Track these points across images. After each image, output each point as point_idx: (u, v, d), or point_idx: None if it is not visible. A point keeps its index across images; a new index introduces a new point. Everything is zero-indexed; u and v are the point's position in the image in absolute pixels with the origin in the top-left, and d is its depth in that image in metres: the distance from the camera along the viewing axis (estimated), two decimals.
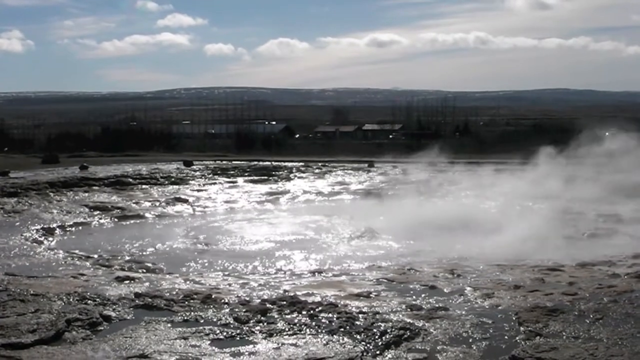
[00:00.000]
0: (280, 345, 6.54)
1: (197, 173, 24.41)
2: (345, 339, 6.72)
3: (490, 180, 20.59)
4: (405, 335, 6.81)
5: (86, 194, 19.15)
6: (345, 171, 26.56)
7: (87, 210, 17.26)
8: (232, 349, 6.46)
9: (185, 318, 7.55)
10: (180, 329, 7.12)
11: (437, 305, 7.96)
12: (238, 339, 6.81)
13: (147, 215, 17.58)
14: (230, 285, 9.33)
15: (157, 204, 18.89)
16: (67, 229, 15.26)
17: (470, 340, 6.69)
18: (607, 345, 6.32)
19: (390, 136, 71.13)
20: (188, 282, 9.57)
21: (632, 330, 6.76)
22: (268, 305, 7.96)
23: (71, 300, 8.20)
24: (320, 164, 28.50)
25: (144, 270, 10.99)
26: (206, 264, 11.76)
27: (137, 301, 8.28)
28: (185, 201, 19.63)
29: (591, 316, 7.27)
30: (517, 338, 6.71)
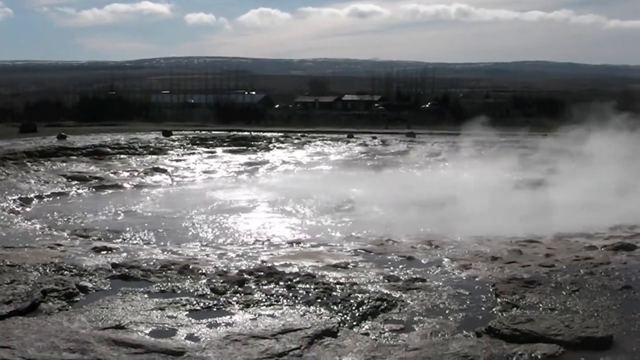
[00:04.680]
0: (257, 316, 6.53)
1: (176, 143, 24.32)
2: (322, 309, 6.71)
3: (468, 152, 20.64)
4: (382, 307, 6.81)
5: (64, 164, 19.04)
6: (325, 142, 26.55)
7: (64, 180, 17.17)
8: (209, 319, 6.44)
9: (162, 289, 7.50)
10: (157, 299, 7.08)
11: (414, 277, 7.97)
12: (215, 309, 6.79)
13: (125, 185, 17.50)
14: (207, 255, 9.30)
15: (136, 174, 18.81)
16: (45, 199, 15.16)
17: (447, 312, 6.71)
18: (583, 317, 6.36)
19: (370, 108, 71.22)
20: (165, 253, 9.52)
21: (607, 302, 6.80)
22: (245, 276, 7.94)
23: (47, 270, 8.14)
24: (299, 135, 28.49)
25: (122, 241, 10.96)
26: (184, 234, 11.74)
27: (113, 272, 8.23)
28: (164, 171, 19.57)
29: (568, 288, 7.31)
30: (494, 309, 6.73)
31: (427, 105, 70.70)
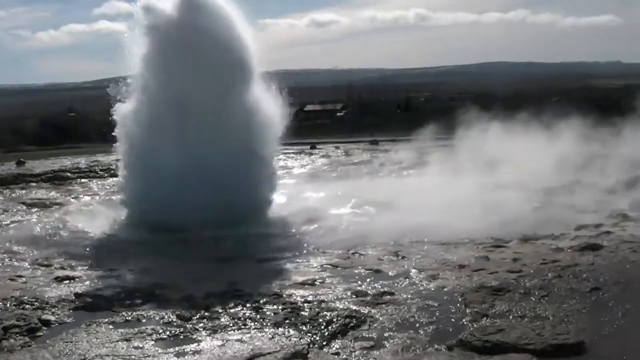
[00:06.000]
0: (225, 341, 6.41)
1: None
2: (291, 331, 6.62)
3: (431, 158, 20.60)
4: (352, 324, 6.74)
5: (23, 191, 18.75)
6: (287, 154, 26.42)
7: (24, 207, 16.84)
8: (176, 348, 6.32)
9: (127, 318, 7.36)
10: (122, 330, 6.93)
11: (382, 290, 7.90)
12: (182, 337, 6.66)
13: (86, 210, 17.17)
14: (173, 279, 9.15)
15: (98, 197, 18.52)
16: (4, 228, 14.83)
17: (417, 325, 6.65)
18: (553, 324, 6.33)
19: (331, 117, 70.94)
20: (130, 277, 9.40)
21: (577, 306, 6.78)
22: (211, 300, 7.82)
23: (8, 305, 7.95)
24: None
25: (85, 268, 10.67)
26: (150, 257, 11.53)
27: (77, 302, 8.08)
28: None
29: (536, 293, 7.28)
30: (464, 320, 6.69)
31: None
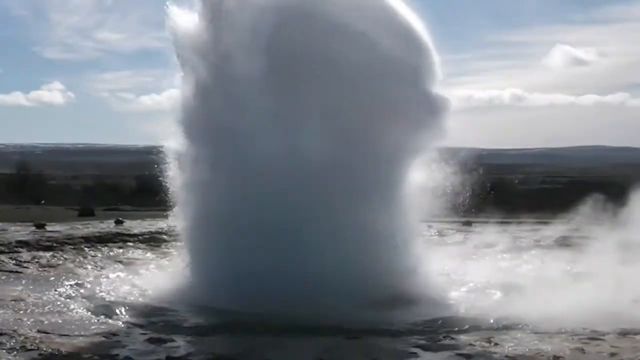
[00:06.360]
0: None
1: None
2: None
3: (526, 242, 20.30)
4: None
5: (121, 250, 19.13)
6: None
7: (121, 266, 17.21)
8: None
9: None
10: None
11: None
12: None
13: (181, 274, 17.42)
14: (261, 350, 9.20)
15: None
16: (100, 286, 15.15)
17: None
18: None
19: None
20: (219, 344, 9.50)
21: None
22: None
23: None
24: None
25: (177, 331, 10.83)
26: (240, 327, 11.59)
27: None
28: None
29: None
30: None
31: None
